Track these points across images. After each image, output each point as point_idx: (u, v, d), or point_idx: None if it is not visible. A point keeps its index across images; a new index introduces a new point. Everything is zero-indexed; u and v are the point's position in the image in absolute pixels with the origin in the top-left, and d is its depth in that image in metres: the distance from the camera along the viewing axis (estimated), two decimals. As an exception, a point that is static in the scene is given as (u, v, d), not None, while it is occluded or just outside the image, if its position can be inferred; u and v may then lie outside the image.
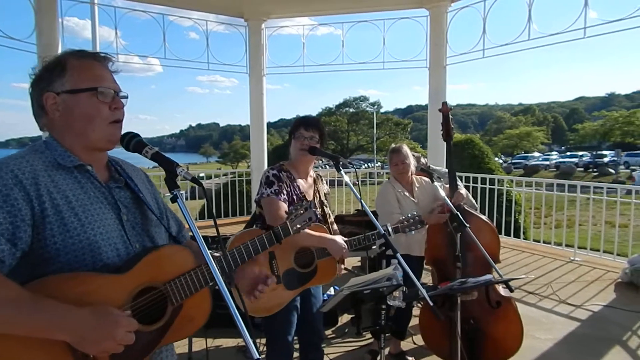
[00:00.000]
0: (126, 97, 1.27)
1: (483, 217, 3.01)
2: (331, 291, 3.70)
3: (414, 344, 3.45)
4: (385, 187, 3.39)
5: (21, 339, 1.01)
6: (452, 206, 2.64)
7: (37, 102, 1.20)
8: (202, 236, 1.18)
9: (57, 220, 1.10)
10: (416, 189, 3.33)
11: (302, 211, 1.65)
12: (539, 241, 6.65)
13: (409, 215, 2.45)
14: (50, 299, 1.02)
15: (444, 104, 2.96)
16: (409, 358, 3.23)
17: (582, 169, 38.80)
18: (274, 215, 2.21)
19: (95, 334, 1.03)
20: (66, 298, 1.04)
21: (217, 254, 1.36)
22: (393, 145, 3.52)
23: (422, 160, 4.12)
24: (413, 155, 3.53)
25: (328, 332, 3.69)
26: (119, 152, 1.36)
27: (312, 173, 2.50)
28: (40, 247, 1.09)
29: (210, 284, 1.27)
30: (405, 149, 3.38)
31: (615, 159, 39.11)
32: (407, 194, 3.27)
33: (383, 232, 2.11)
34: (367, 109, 50.52)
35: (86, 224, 1.14)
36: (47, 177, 1.12)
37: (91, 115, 1.17)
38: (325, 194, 2.54)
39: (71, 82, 1.17)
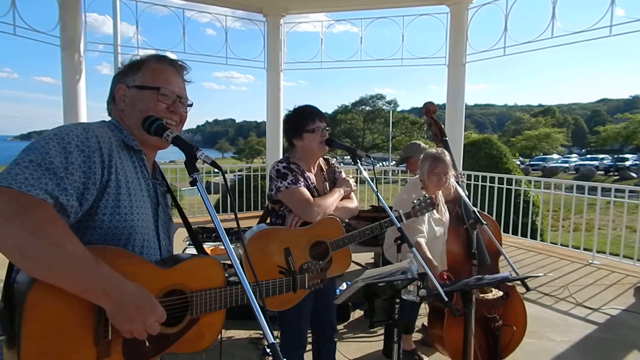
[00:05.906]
0: (190, 105, 1.36)
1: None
2: (343, 286, 3.70)
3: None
4: (413, 186, 2.90)
5: (61, 295, 1.02)
6: (470, 204, 2.62)
7: (111, 90, 1.32)
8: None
9: (114, 194, 1.15)
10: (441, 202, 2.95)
11: (320, 270, 1.65)
12: (556, 244, 6.51)
13: (420, 197, 2.40)
14: (108, 265, 1.05)
15: (430, 103, 2.89)
16: (422, 356, 3.20)
17: (602, 172, 37.96)
18: (303, 203, 2.17)
19: (133, 311, 1.06)
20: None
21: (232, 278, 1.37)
22: (433, 150, 2.92)
23: None
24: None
25: (340, 327, 3.69)
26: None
27: (319, 161, 2.46)
28: (90, 214, 1.12)
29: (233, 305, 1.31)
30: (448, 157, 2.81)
31: (637, 162, 38.15)
32: (435, 214, 2.84)
33: (399, 225, 2.09)
34: (384, 107, 50.28)
35: (134, 207, 1.19)
36: (116, 152, 1.18)
37: (148, 111, 1.25)
38: (338, 173, 2.49)
39: (142, 80, 1.28)
